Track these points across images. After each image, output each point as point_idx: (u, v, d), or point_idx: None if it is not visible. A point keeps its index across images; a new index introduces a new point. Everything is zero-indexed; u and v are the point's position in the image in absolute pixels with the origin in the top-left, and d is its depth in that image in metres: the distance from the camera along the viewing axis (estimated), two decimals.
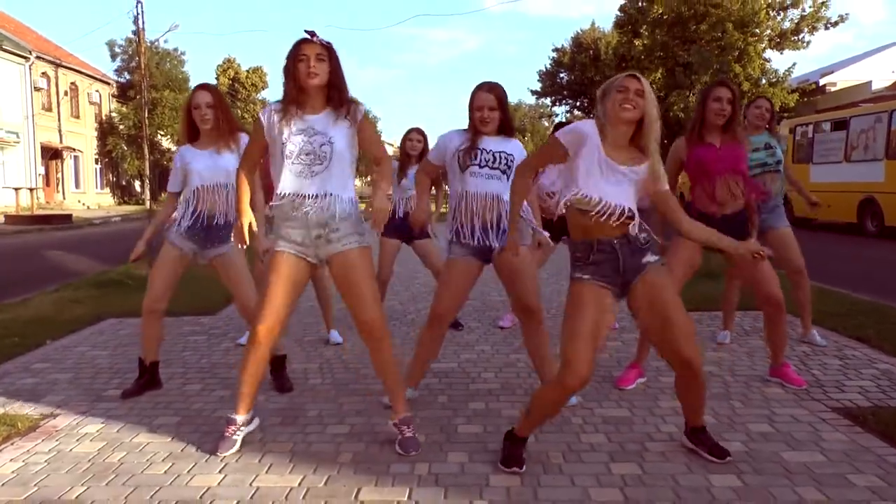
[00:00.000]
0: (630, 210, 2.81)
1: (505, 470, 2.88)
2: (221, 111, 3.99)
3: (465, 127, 3.78)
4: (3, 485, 2.86)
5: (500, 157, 3.67)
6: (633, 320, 3.09)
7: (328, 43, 3.06)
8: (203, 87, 4.04)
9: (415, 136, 5.68)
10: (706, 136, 4.05)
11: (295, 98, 3.05)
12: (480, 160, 3.64)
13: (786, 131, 18.74)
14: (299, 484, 2.83)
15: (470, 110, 3.70)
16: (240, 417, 3.24)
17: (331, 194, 3.07)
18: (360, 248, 3.16)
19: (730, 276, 5.29)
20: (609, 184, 2.78)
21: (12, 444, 3.31)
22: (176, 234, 4.02)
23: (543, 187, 5.26)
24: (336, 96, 3.07)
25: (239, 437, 3.22)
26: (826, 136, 17.04)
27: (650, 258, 2.85)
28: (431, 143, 4.75)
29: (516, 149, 3.74)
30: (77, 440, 3.36)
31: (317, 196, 3.05)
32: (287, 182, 3.06)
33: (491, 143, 3.66)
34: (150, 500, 2.70)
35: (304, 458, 3.11)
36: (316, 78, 3.01)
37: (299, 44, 3.03)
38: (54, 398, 4.03)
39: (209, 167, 3.98)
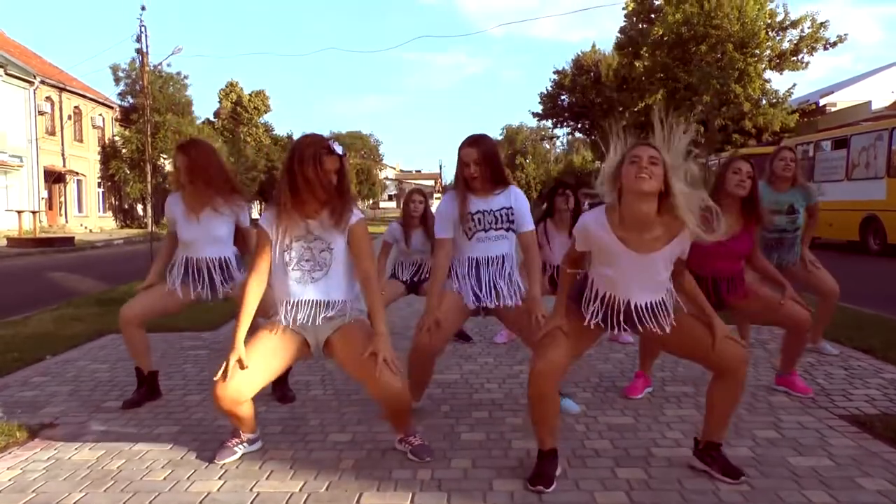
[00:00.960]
0: (658, 300, 2.73)
1: (530, 489, 2.73)
2: (195, 177, 3.88)
3: (454, 184, 3.73)
4: (0, 491, 2.82)
5: (501, 217, 3.57)
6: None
7: (345, 153, 3.01)
8: (180, 147, 3.97)
9: (416, 198, 5.68)
10: (724, 205, 3.69)
11: (300, 203, 2.95)
12: (484, 223, 3.55)
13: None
14: (300, 489, 2.79)
15: (458, 168, 3.60)
16: (247, 434, 3.20)
17: (337, 301, 3.03)
18: (359, 320, 3.09)
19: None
20: (629, 270, 2.67)
21: (10, 453, 3.28)
22: (176, 281, 3.99)
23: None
24: (338, 203, 2.99)
25: (239, 451, 3.16)
26: (827, 155, 17.07)
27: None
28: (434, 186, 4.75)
29: (514, 199, 3.62)
30: (76, 449, 3.33)
31: (317, 302, 3.01)
32: (284, 288, 3.02)
33: (488, 203, 3.56)
34: None
35: (305, 464, 3.07)
36: (326, 192, 2.95)
37: (321, 155, 2.93)
38: (53, 409, 4.00)
39: (196, 239, 3.94)
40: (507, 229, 3.58)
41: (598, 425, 3.53)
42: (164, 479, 2.93)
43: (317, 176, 2.90)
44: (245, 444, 3.19)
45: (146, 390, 4.10)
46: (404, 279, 5.68)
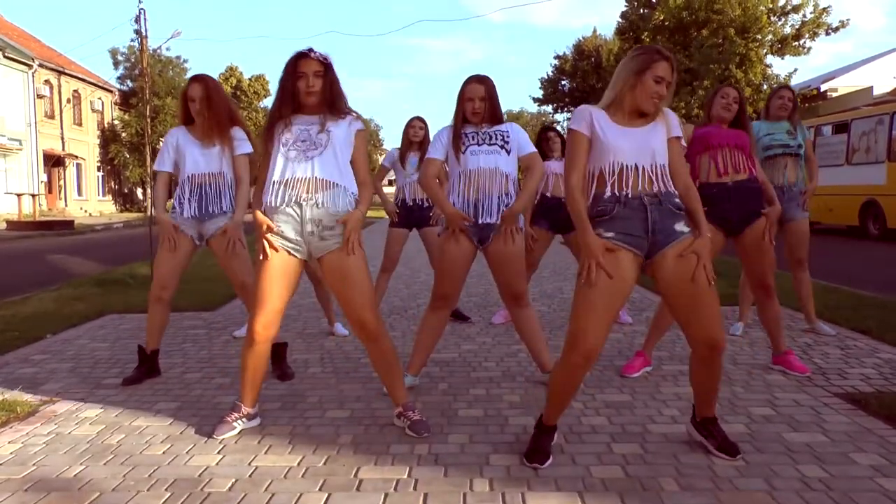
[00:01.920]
0: (653, 165, 2.71)
1: (527, 464, 2.74)
2: (210, 106, 3.97)
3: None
4: (0, 464, 2.85)
5: (496, 135, 3.70)
6: (658, 294, 3.02)
7: (325, 58, 3.04)
8: (197, 78, 4.05)
9: (417, 124, 5.72)
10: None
11: (289, 113, 3.05)
12: (478, 139, 3.67)
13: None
14: (298, 464, 2.81)
15: (460, 101, 3.72)
16: (245, 408, 3.22)
17: (326, 181, 3.03)
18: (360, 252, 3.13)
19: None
20: (629, 139, 2.71)
21: (11, 427, 3.30)
22: (178, 219, 4.03)
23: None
24: (334, 108, 3.06)
25: (238, 426, 3.18)
26: (827, 139, 17.04)
27: (682, 227, 2.70)
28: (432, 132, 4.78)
29: (510, 126, 3.77)
30: (76, 423, 3.35)
31: (312, 181, 3.02)
32: (280, 167, 3.04)
33: (483, 128, 3.71)
34: (149, 479, 2.68)
35: (303, 439, 3.09)
36: (314, 96, 3.02)
37: (296, 60, 3.02)
38: (53, 386, 4.02)
39: (203, 155, 4.02)
40: (502, 147, 3.66)
41: (595, 402, 3.55)
42: (164, 452, 2.96)
43: (292, 82, 3.01)
44: (244, 419, 3.22)
45: (146, 369, 4.12)
46: (407, 203, 5.70)
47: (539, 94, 45.75)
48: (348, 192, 3.10)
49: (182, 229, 4.02)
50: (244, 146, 4.14)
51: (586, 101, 44.16)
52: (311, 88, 3.01)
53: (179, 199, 4.06)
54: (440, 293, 3.75)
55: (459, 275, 3.75)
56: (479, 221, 3.65)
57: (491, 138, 3.67)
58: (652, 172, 2.70)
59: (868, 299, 6.40)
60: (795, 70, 29.34)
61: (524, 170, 3.89)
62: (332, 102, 3.08)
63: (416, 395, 3.72)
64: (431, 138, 4.03)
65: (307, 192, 3.02)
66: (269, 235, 3.05)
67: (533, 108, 54.99)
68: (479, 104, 3.65)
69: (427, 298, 5.88)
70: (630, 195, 2.68)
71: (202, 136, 4.04)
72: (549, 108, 49.23)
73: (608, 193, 2.70)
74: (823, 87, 29.91)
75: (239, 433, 3.17)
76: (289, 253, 3.09)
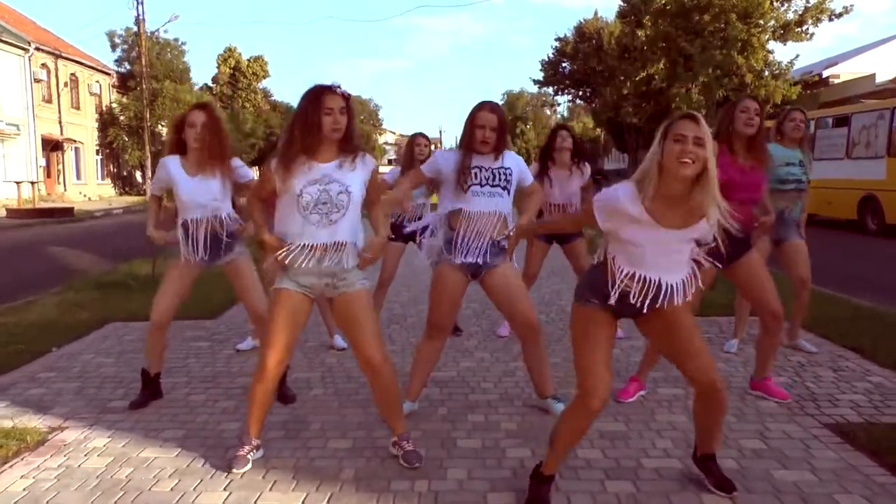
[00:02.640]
0: (678, 283, 2.72)
1: None
2: (213, 134, 3.99)
3: (459, 144, 3.84)
4: (14, 503, 2.94)
5: (500, 174, 3.74)
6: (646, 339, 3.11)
7: (349, 95, 3.09)
8: (200, 106, 4.09)
9: (422, 141, 5.73)
10: (735, 145, 4.03)
11: (310, 147, 3.07)
12: (480, 179, 3.70)
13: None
14: (302, 502, 2.91)
15: (470, 127, 3.72)
16: (254, 439, 3.33)
17: (345, 243, 3.14)
18: (365, 289, 3.26)
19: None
20: (657, 250, 2.66)
21: (22, 459, 3.39)
22: (191, 250, 4.08)
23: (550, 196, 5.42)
24: (349, 146, 3.13)
25: (251, 458, 3.28)
26: (828, 132, 17.03)
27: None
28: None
29: (512, 161, 3.82)
30: (85, 455, 3.44)
31: (332, 245, 3.12)
32: (301, 232, 3.10)
33: (487, 161, 3.72)
34: None
35: (306, 474, 3.19)
36: (339, 133, 3.06)
37: (322, 95, 3.05)
38: (61, 410, 4.11)
39: (198, 196, 4.00)
40: (504, 188, 3.73)
41: (590, 433, 3.62)
42: (172, 489, 3.05)
43: (318, 117, 3.03)
44: (254, 451, 3.32)
45: (150, 392, 4.20)
46: (403, 226, 5.68)
47: (539, 75, 45.63)
48: (358, 245, 3.23)
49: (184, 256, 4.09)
50: (246, 172, 4.19)
51: (587, 84, 44.11)
52: (336, 125, 3.05)
53: (185, 240, 4.06)
54: (434, 322, 3.83)
55: (456, 300, 3.83)
56: (471, 260, 3.71)
57: (495, 178, 3.71)
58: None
59: (864, 311, 6.47)
60: (797, 56, 29.37)
61: (527, 194, 3.97)
62: (350, 139, 3.13)
63: (416, 421, 3.81)
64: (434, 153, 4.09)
65: (327, 253, 3.12)
66: (285, 282, 3.16)
67: (533, 88, 54.64)
68: (489, 134, 3.66)
69: (426, 304, 5.96)
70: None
71: (198, 164, 4.01)
72: (550, 90, 49.11)
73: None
74: (825, 73, 29.83)
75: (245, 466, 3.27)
76: (301, 294, 3.20)
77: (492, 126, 3.67)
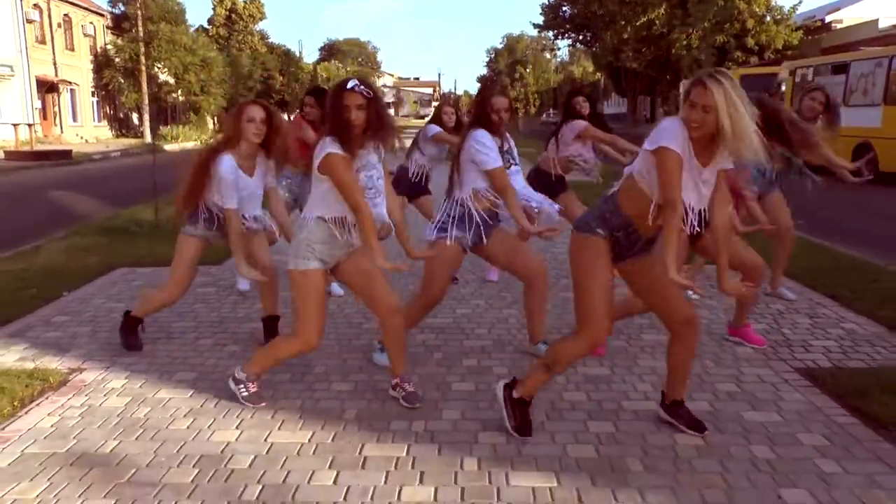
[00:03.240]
0: (704, 218, 2.91)
1: (519, 436, 3.13)
2: (274, 131, 4.12)
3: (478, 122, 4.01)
4: (45, 437, 3.20)
5: (512, 153, 4.14)
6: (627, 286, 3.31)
7: (370, 93, 3.20)
8: (257, 103, 4.18)
9: (448, 110, 6.06)
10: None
11: (350, 137, 3.19)
12: (506, 158, 4.02)
13: (785, 73, 18.73)
14: (309, 440, 3.17)
15: (485, 109, 3.97)
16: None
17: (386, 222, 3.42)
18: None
19: (786, 232, 5.36)
20: (696, 190, 2.85)
21: (47, 398, 3.65)
22: (194, 227, 4.26)
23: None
24: (375, 135, 3.26)
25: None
26: (826, 80, 17.00)
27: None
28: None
29: (509, 140, 4.17)
30: (104, 395, 3.69)
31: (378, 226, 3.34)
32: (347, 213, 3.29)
33: (498, 143, 4.00)
34: (178, 454, 3.03)
35: (312, 414, 3.44)
36: (357, 128, 3.19)
37: (342, 92, 3.19)
38: (78, 352, 4.35)
39: (251, 196, 4.23)
40: (517, 164, 4.12)
41: (576, 377, 3.89)
42: (188, 427, 3.31)
43: (337, 114, 3.19)
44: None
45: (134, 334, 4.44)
46: (413, 180, 6.10)
47: (540, 19, 45.00)
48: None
49: (195, 235, 4.29)
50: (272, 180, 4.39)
51: (587, 28, 43.55)
52: (355, 121, 3.19)
53: (206, 213, 4.23)
54: (435, 295, 4.02)
55: (452, 274, 4.12)
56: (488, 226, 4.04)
57: (512, 157, 4.06)
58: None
59: (845, 260, 6.70)
60: (800, 2, 28.88)
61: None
62: (379, 130, 3.26)
63: (413, 365, 4.05)
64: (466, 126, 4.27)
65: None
66: (312, 262, 3.32)
67: (533, 32, 53.92)
68: (504, 115, 4.00)
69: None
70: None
71: (251, 158, 4.15)
72: (550, 34, 48.52)
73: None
74: (828, 19, 29.53)
75: (254, 406, 3.52)
76: (322, 270, 3.41)
77: (506, 108, 4.01)
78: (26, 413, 3.47)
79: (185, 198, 4.20)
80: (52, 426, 3.33)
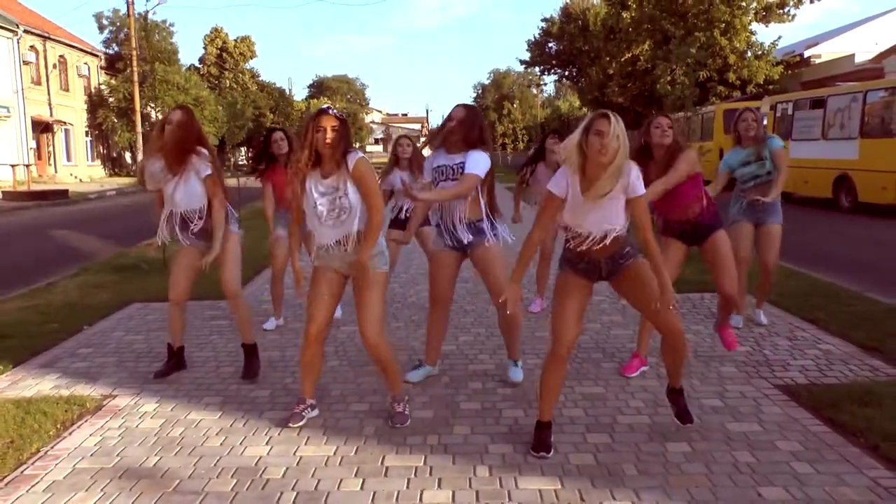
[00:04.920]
0: (613, 229, 3.34)
1: (534, 455, 3.39)
2: (189, 132, 4.45)
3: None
4: (91, 455, 3.50)
5: (457, 170, 4.32)
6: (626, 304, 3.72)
7: (342, 116, 3.65)
8: (180, 107, 4.60)
9: (404, 142, 6.30)
10: (655, 154, 4.47)
11: (313, 160, 3.63)
12: (437, 178, 4.43)
13: (766, 108, 19.35)
14: (334, 453, 3.48)
15: (445, 119, 4.43)
16: (308, 398, 3.91)
17: (346, 235, 3.72)
18: (382, 272, 3.77)
19: (738, 261, 5.44)
20: (590, 211, 3.31)
21: (86, 421, 3.95)
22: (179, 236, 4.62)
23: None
24: (343, 158, 3.64)
25: (306, 416, 3.88)
26: (805, 114, 17.63)
27: (629, 261, 3.47)
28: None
29: (471, 159, 4.27)
30: (139, 417, 4.00)
31: (346, 237, 3.72)
32: (324, 236, 3.75)
33: (447, 160, 4.37)
34: (215, 467, 3.34)
35: (334, 432, 3.76)
36: (329, 147, 3.58)
37: (319, 116, 3.60)
38: (108, 380, 4.65)
39: (185, 195, 4.49)
40: (453, 179, 4.32)
41: (573, 395, 4.23)
42: (221, 444, 3.61)
43: (311, 135, 3.58)
44: (308, 409, 3.91)
45: (174, 362, 4.76)
46: (402, 216, 6.27)
47: (526, 56, 45.96)
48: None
49: (183, 242, 4.63)
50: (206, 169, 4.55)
51: (573, 64, 44.49)
52: (328, 140, 3.58)
53: (164, 225, 4.65)
54: (436, 295, 4.50)
55: (452, 276, 4.50)
56: (457, 239, 4.43)
57: (454, 172, 4.35)
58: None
59: (821, 287, 7.09)
60: (779, 38, 29.75)
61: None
62: (345, 151, 3.65)
63: (423, 387, 4.39)
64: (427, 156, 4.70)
65: (345, 245, 3.73)
66: (319, 269, 3.80)
67: (520, 67, 54.97)
68: (449, 124, 4.38)
69: (425, 283, 6.52)
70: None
71: (179, 162, 4.45)
72: (537, 70, 49.47)
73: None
74: (807, 54, 30.40)
75: (280, 426, 3.84)
76: (333, 270, 3.82)
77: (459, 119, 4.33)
78: (69, 434, 3.77)
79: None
80: (95, 445, 3.63)
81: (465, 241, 4.36)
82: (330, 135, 3.57)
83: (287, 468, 3.33)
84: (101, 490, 3.14)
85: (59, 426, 3.85)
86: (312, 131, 3.59)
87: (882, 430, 3.52)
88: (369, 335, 3.75)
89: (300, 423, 3.81)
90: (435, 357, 4.61)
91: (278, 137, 5.81)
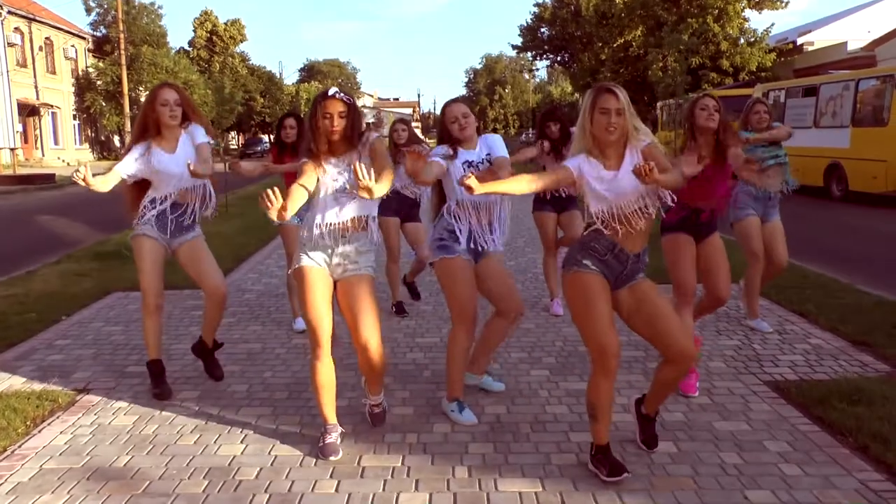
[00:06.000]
0: (646, 202, 3.10)
1: (616, 479, 3.03)
2: (189, 108, 4.19)
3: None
4: (60, 454, 3.39)
5: (485, 164, 3.93)
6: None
7: (349, 100, 3.37)
8: (168, 85, 4.27)
9: (399, 127, 6.12)
10: (699, 139, 4.27)
11: (323, 149, 3.37)
12: (469, 172, 3.97)
13: (759, 95, 19.25)
14: (310, 453, 3.38)
15: (445, 125, 3.95)
16: (334, 425, 3.48)
17: (357, 217, 3.41)
18: (369, 275, 3.48)
19: (753, 258, 5.38)
20: (615, 190, 3.07)
21: (57, 417, 3.84)
22: (146, 226, 4.16)
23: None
24: (355, 142, 3.39)
25: (338, 441, 3.45)
26: (797, 102, 17.55)
27: (641, 274, 3.23)
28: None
29: (493, 145, 4.01)
30: (113, 413, 3.89)
31: (344, 221, 3.39)
32: (322, 214, 3.38)
33: (472, 155, 3.92)
34: (187, 468, 3.24)
35: (311, 429, 3.65)
36: (337, 134, 3.34)
37: (324, 101, 3.33)
38: (83, 374, 4.54)
39: (185, 171, 4.07)
40: None
41: (558, 391, 4.14)
42: (195, 443, 3.51)
43: (319, 121, 3.32)
44: (338, 435, 3.48)
45: (163, 376, 4.23)
46: (402, 193, 5.99)
47: (518, 41, 45.67)
48: (377, 233, 3.53)
49: (149, 235, 4.16)
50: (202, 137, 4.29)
51: (565, 49, 44.25)
52: (335, 128, 3.33)
53: (153, 206, 4.17)
54: (467, 315, 3.89)
55: (472, 284, 3.94)
56: (477, 247, 3.88)
57: (480, 169, 3.86)
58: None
59: (811, 278, 7.03)
60: (772, 25, 29.71)
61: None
62: (354, 137, 3.40)
63: (404, 382, 4.31)
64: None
65: (342, 228, 3.40)
66: (307, 271, 3.40)
67: (512, 52, 54.65)
68: (463, 120, 3.87)
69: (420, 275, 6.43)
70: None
71: (174, 139, 4.15)
72: (529, 56, 49.19)
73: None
74: (800, 41, 30.32)
75: (256, 421, 3.74)
76: (322, 268, 3.44)
77: (463, 113, 3.91)
78: (39, 432, 3.66)
79: None
80: (65, 443, 3.52)
81: (493, 247, 3.90)
82: (337, 122, 3.33)
83: (261, 468, 3.23)
84: (68, 492, 3.03)
85: (28, 423, 3.74)
86: (320, 117, 3.35)
87: (871, 430, 3.45)
88: (374, 344, 3.41)
89: (338, 456, 3.36)
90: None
91: (289, 124, 5.47)
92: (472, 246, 3.86)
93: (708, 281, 4.43)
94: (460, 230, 3.85)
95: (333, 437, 3.43)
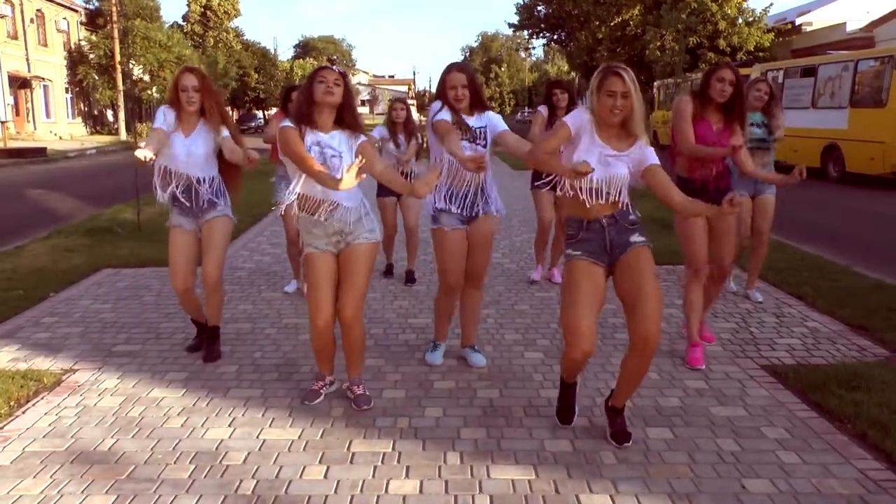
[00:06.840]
0: (620, 191, 3.13)
1: (617, 444, 3.21)
2: (208, 97, 4.17)
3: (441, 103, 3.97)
4: (44, 436, 3.32)
5: (480, 133, 3.95)
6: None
7: (344, 71, 3.45)
8: (190, 69, 4.24)
9: (398, 106, 6.19)
10: (708, 109, 4.25)
11: (307, 114, 3.41)
12: (467, 136, 3.90)
13: (758, 73, 19.11)
14: (299, 437, 3.31)
15: (443, 89, 3.93)
16: (327, 375, 3.77)
17: (338, 204, 3.45)
18: (369, 244, 3.55)
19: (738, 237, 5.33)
20: (602, 165, 3.09)
21: (42, 398, 3.75)
22: (175, 216, 4.26)
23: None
24: (348, 118, 3.47)
25: (323, 393, 3.75)
26: (795, 82, 17.41)
27: (637, 238, 3.18)
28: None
29: (490, 120, 4.00)
30: (99, 395, 3.81)
31: (325, 203, 3.44)
32: (302, 184, 3.42)
33: (471, 121, 3.92)
34: (174, 451, 3.17)
35: (300, 412, 3.59)
36: (331, 97, 3.38)
37: (320, 69, 3.44)
38: (70, 353, 4.45)
39: (186, 155, 4.14)
40: (484, 146, 3.93)
41: (552, 374, 4.07)
42: (182, 425, 3.44)
43: (312, 84, 3.40)
44: (327, 386, 3.78)
45: (207, 339, 4.42)
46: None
47: (515, 19, 45.25)
48: (361, 202, 3.56)
49: (179, 225, 4.25)
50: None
51: (562, 28, 43.85)
52: (329, 89, 3.38)
53: (162, 185, 4.20)
54: (451, 283, 4.09)
55: (463, 256, 4.07)
56: (471, 212, 4.00)
57: (476, 136, 3.90)
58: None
59: (810, 259, 6.96)
60: (771, 4, 29.34)
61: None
62: (346, 113, 3.47)
63: (395, 364, 4.23)
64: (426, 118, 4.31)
65: (326, 210, 3.45)
66: (309, 248, 3.54)
67: (508, 31, 54.13)
68: (461, 91, 3.85)
69: (421, 259, 6.36)
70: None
71: (192, 125, 4.18)
72: (525, 34, 48.80)
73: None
74: (798, 21, 30.05)
75: (245, 403, 3.67)
76: (325, 252, 3.54)
77: (462, 84, 3.87)
78: (23, 413, 3.58)
79: None
80: (49, 425, 3.44)
81: (488, 210, 4.04)
82: (332, 87, 3.39)
83: (249, 453, 3.16)
84: (51, 477, 2.96)
85: (12, 404, 3.66)
86: (313, 83, 3.42)
87: (870, 416, 3.40)
88: (347, 313, 3.53)
89: (317, 401, 3.68)
90: (445, 335, 4.38)
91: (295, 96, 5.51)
92: (465, 213, 3.99)
93: (713, 244, 4.41)
94: (453, 195, 3.98)
95: (319, 385, 3.76)
